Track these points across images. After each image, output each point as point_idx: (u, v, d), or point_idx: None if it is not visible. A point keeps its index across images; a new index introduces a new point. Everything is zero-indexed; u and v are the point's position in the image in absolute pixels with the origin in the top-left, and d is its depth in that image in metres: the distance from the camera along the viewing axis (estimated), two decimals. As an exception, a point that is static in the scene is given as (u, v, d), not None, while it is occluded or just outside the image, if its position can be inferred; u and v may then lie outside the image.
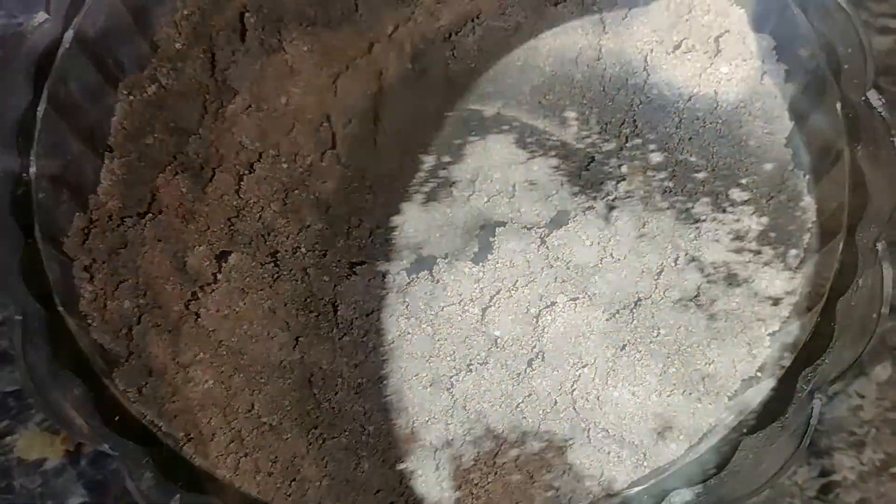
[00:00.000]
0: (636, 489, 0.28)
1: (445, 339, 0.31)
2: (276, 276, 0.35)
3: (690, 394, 0.29)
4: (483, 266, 0.32)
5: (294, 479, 0.32)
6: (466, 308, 0.31)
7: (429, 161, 0.35)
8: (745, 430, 0.29)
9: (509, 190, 0.34)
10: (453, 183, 0.35)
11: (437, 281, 0.32)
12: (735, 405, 0.29)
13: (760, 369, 0.30)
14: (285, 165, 0.37)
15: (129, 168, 0.36)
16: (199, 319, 0.34)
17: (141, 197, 0.36)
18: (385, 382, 0.30)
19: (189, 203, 0.36)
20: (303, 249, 0.35)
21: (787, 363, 0.29)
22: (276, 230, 0.35)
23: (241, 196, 0.36)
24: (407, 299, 0.32)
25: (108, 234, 0.34)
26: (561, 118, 0.36)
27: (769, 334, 0.30)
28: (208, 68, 0.37)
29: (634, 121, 0.35)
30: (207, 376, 0.33)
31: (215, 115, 0.37)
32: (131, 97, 0.37)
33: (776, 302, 0.31)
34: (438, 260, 0.33)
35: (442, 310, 0.31)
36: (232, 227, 0.36)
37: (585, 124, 0.36)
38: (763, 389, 0.29)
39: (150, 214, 0.35)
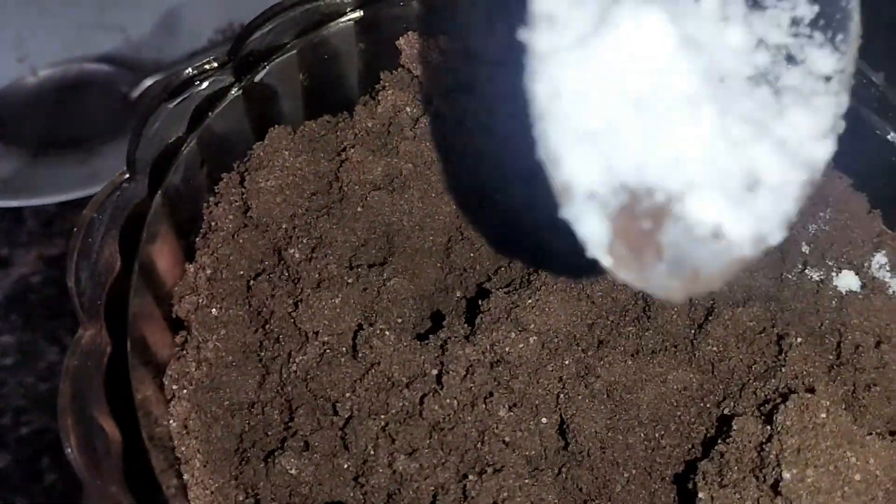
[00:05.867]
0: (736, 231, 0.31)
1: (591, 102, 0.31)
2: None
3: (773, 155, 0.32)
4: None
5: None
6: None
7: None
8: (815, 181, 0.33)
9: None
10: None
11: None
12: (805, 164, 0.33)
13: (824, 135, 0.33)
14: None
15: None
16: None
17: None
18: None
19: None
20: None
21: (840, 131, 0.33)
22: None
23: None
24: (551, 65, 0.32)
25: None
26: None
27: (826, 105, 0.33)
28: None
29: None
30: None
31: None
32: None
33: (828, 79, 0.34)
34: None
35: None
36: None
37: None
38: (826, 152, 0.33)
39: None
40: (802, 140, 0.33)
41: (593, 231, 0.31)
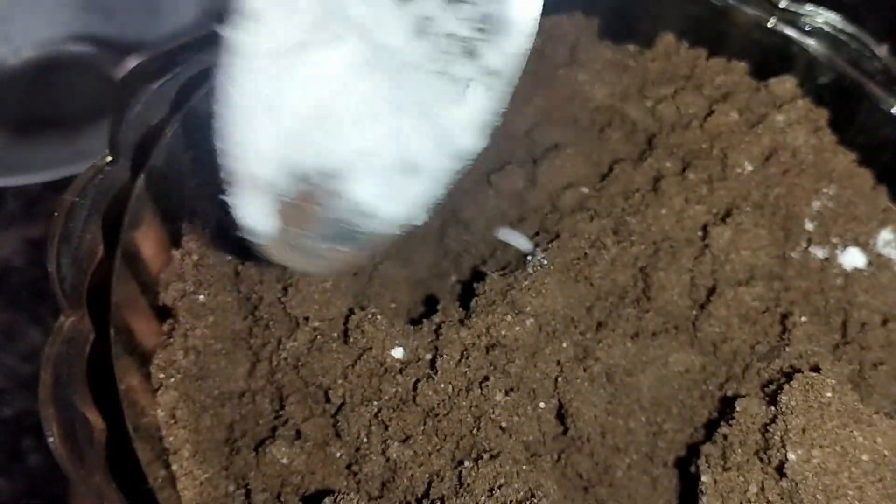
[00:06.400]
0: (387, 211, 0.34)
1: (277, 106, 0.33)
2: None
3: (431, 144, 0.34)
4: None
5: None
6: None
7: None
8: (462, 170, 0.35)
9: None
10: None
11: None
12: (457, 154, 0.35)
13: (479, 128, 0.35)
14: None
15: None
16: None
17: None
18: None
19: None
20: None
21: (496, 122, 0.35)
22: None
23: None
24: None
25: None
26: None
27: (488, 100, 0.34)
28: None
29: None
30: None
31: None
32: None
33: (496, 74, 0.35)
34: None
35: None
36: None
37: None
38: (475, 145, 0.35)
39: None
40: (460, 131, 0.34)
41: (257, 217, 0.33)
